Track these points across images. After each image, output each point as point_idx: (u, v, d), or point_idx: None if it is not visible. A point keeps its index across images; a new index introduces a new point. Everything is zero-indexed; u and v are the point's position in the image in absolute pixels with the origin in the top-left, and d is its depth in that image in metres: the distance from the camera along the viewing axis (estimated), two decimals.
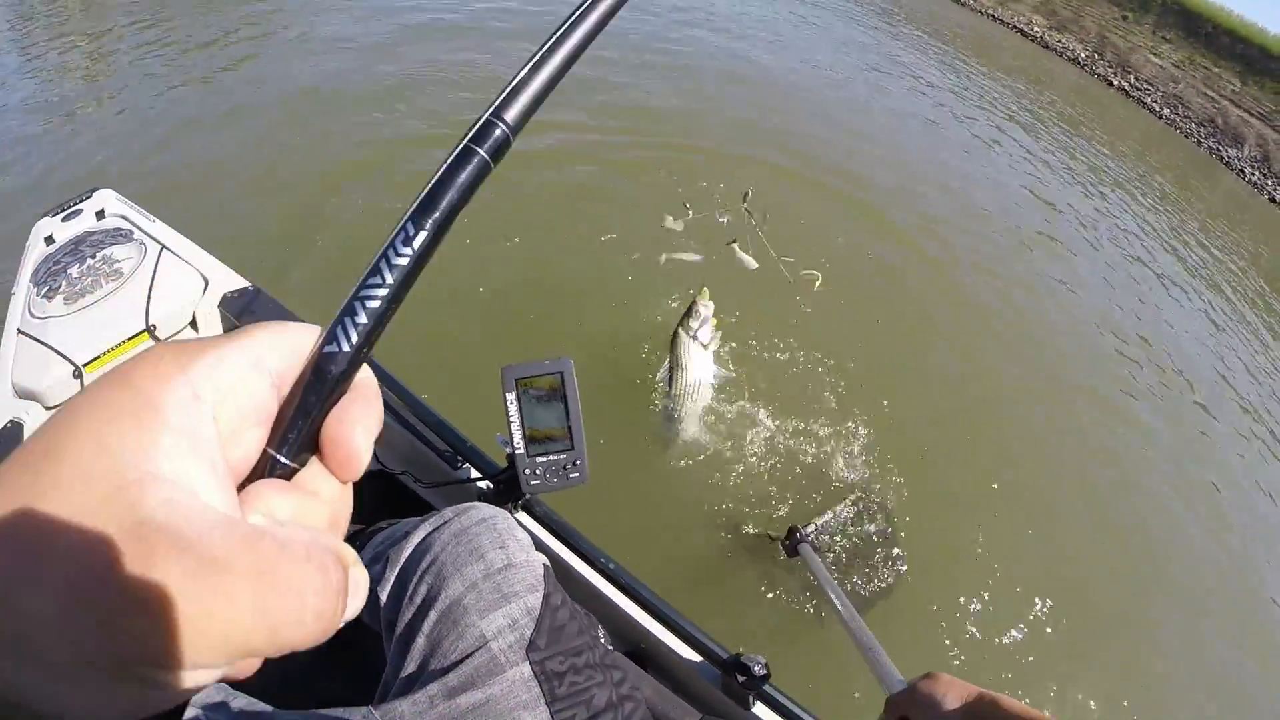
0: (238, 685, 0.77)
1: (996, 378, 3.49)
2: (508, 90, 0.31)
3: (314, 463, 0.26)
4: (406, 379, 1.34)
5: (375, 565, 0.89)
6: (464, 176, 0.30)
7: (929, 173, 5.38)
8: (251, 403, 0.24)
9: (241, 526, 0.21)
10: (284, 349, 0.25)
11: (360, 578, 0.25)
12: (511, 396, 0.94)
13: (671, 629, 1.13)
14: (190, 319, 1.63)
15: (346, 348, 0.26)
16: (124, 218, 1.78)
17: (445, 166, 0.30)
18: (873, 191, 4.64)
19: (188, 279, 1.64)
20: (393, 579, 0.85)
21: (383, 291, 0.27)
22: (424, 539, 0.87)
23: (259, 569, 0.20)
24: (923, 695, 0.76)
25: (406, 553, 0.86)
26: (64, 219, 1.79)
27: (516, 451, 0.95)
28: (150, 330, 1.54)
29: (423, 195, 0.29)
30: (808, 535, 2.20)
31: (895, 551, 2.51)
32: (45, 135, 3.96)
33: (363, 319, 0.27)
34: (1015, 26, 14.70)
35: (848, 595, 2.31)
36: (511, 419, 0.95)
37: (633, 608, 1.15)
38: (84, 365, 1.47)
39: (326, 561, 0.23)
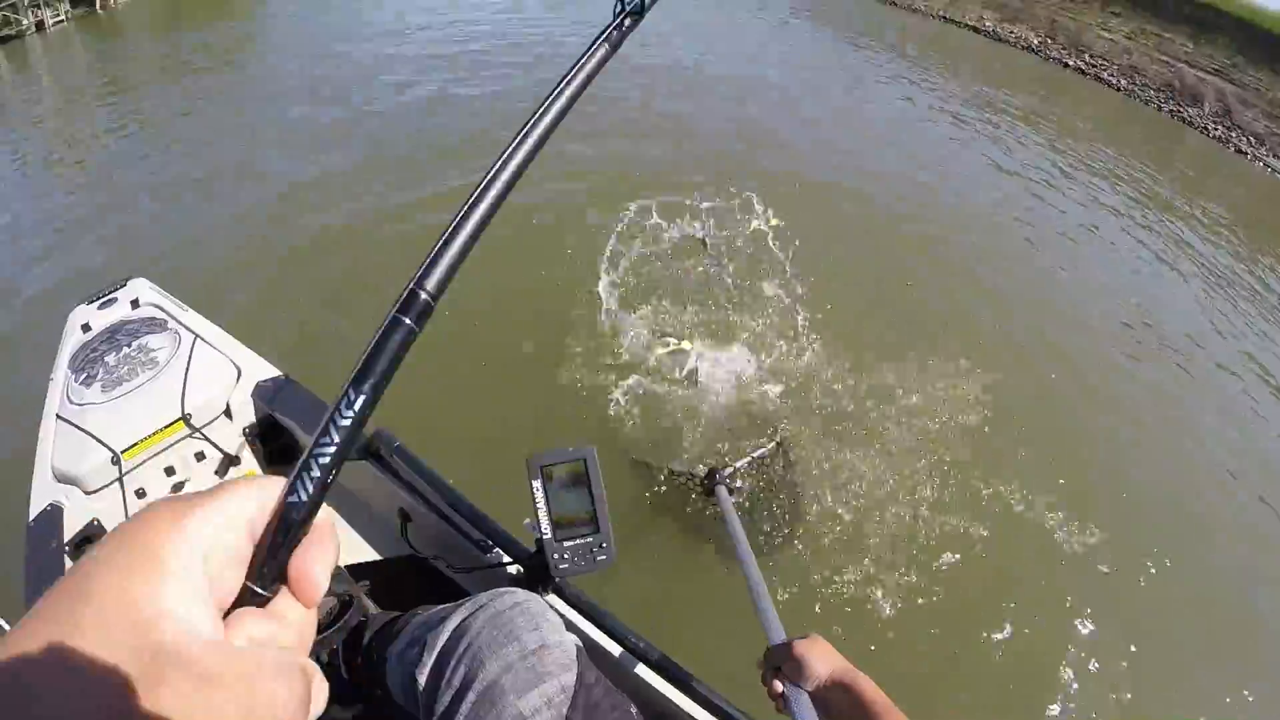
0: None
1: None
2: (427, 261, 0.37)
3: (284, 591, 0.31)
4: (435, 462, 1.42)
5: (413, 649, 0.93)
6: (393, 344, 0.35)
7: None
8: (232, 550, 0.29)
9: (228, 648, 0.27)
10: (256, 502, 0.30)
11: (320, 688, 0.30)
12: (537, 484, 0.98)
13: (701, 704, 1.14)
14: (224, 408, 1.65)
15: (305, 498, 0.31)
16: (158, 307, 1.81)
17: (377, 338, 0.35)
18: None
19: (221, 368, 1.67)
20: (430, 663, 0.89)
21: (331, 450, 0.32)
22: (460, 623, 0.91)
23: (243, 682, 0.26)
24: (797, 653, 0.84)
25: (444, 637, 0.90)
26: (99, 307, 1.83)
27: (544, 537, 0.99)
28: (186, 419, 1.58)
29: (359, 365, 0.34)
30: (725, 477, 2.37)
31: (799, 494, 2.74)
32: (64, 224, 4.64)
33: (316, 473, 0.32)
34: (967, 24, 15.49)
35: (752, 535, 2.36)
36: (538, 506, 0.99)
37: (662, 683, 1.17)
38: (122, 452, 1.50)
39: (294, 676, 0.28)
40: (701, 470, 2.56)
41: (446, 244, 0.37)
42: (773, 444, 2.81)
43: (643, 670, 1.19)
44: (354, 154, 5.50)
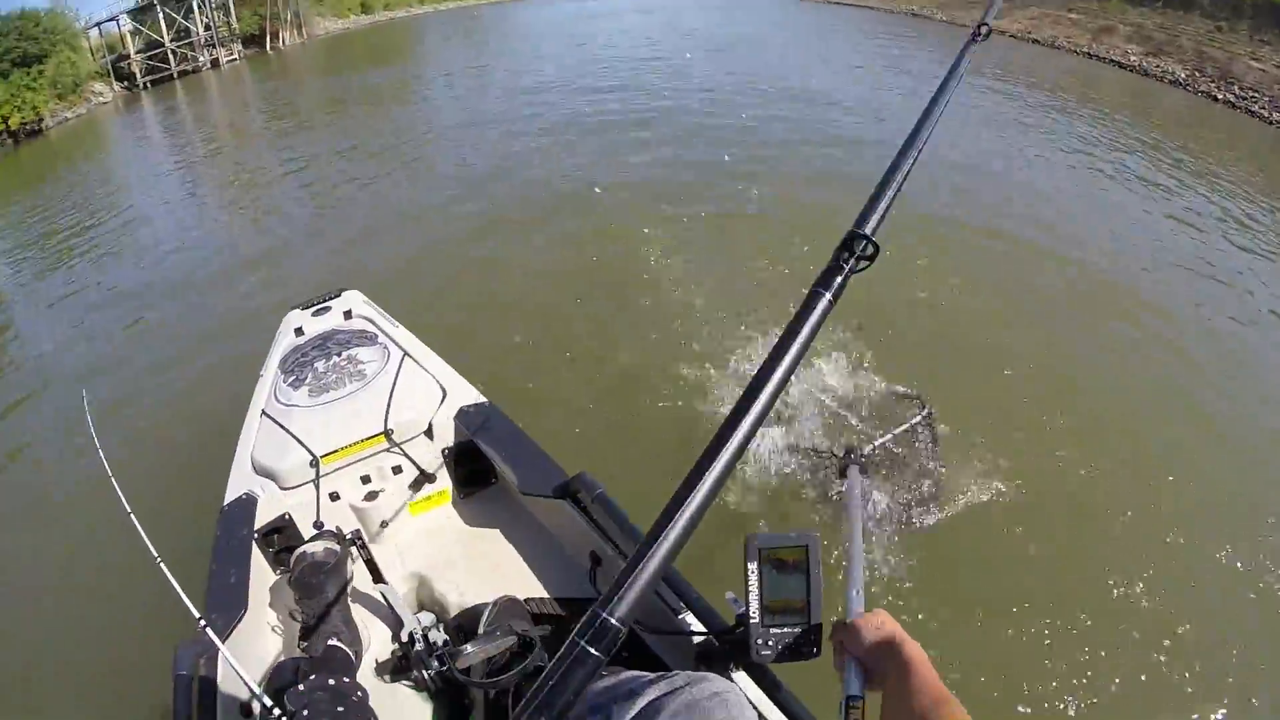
0: None
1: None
2: (619, 591, 0.36)
3: None
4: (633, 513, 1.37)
5: (594, 717, 0.91)
6: (578, 678, 0.33)
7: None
8: None
9: None
10: None
11: None
12: (753, 566, 0.95)
13: None
14: (427, 427, 1.69)
15: None
16: (370, 320, 1.86)
17: (563, 669, 0.34)
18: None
19: (427, 388, 1.71)
20: None
21: None
22: (652, 702, 0.88)
23: None
24: (856, 624, 0.84)
25: (630, 714, 0.88)
26: (314, 314, 1.88)
27: (752, 620, 0.95)
28: (388, 433, 1.61)
29: (545, 690, 0.33)
30: (861, 456, 2.29)
31: (930, 487, 2.48)
32: (257, 235, 5.71)
33: None
34: (1111, 60, 16.70)
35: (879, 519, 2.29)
36: (750, 588, 0.95)
37: None
38: (321, 456, 1.54)
39: None
40: (839, 449, 2.48)
41: (638, 572, 0.35)
42: (920, 416, 2.64)
43: None
44: (508, 185, 6.39)
